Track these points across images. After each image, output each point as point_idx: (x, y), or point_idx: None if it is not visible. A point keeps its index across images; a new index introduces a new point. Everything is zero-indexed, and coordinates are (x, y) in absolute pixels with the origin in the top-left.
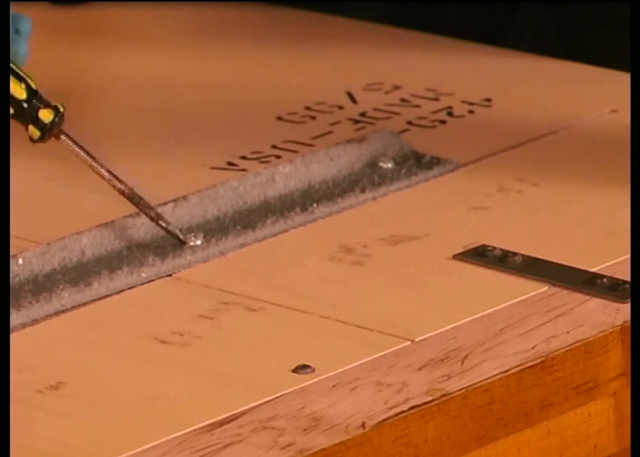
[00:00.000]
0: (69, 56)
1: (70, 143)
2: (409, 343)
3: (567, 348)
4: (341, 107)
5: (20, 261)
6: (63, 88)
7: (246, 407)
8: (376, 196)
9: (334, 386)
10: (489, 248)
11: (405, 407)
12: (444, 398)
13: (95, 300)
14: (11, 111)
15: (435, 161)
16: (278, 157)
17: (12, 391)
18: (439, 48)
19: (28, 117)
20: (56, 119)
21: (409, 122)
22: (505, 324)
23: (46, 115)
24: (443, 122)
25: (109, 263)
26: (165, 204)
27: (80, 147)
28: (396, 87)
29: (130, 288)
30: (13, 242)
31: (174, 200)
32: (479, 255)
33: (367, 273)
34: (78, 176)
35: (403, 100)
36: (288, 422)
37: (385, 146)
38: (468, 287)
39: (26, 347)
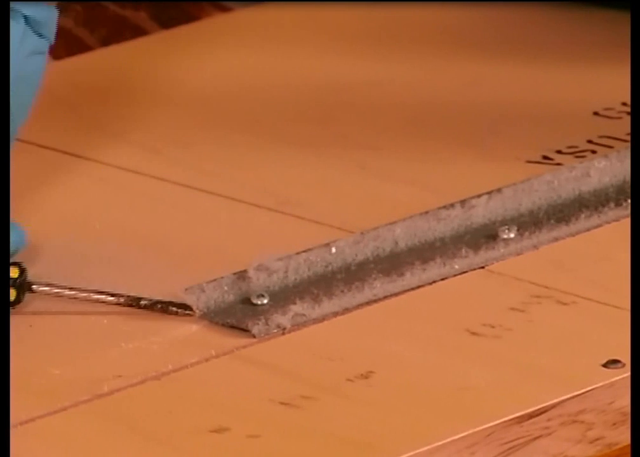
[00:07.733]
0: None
1: (46, 288)
2: None
3: None
4: None
5: (333, 249)
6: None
7: (555, 401)
8: None
9: None
10: None
11: None
12: None
13: (407, 291)
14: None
15: None
16: (593, 152)
17: (321, 379)
18: None
19: None
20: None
21: None
22: None
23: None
24: None
25: (422, 253)
26: (479, 196)
27: (58, 287)
28: None
29: (442, 279)
30: (326, 230)
31: (489, 193)
32: None
33: None
34: (392, 168)
35: None
36: (597, 416)
37: None
38: None
39: (338, 335)
